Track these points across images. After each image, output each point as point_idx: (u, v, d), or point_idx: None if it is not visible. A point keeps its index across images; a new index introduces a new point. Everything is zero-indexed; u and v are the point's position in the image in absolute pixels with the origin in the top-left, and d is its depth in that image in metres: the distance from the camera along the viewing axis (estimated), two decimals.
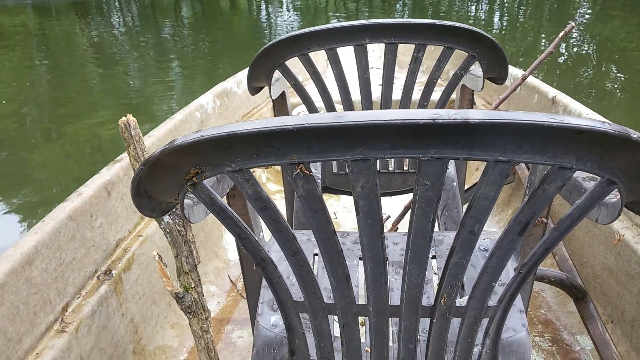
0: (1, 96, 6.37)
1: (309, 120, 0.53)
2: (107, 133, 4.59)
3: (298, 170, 0.59)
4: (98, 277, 1.27)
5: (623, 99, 5.36)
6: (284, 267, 0.76)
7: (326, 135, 0.55)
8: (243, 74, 2.59)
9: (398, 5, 15.20)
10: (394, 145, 0.55)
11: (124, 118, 0.93)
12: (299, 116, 0.55)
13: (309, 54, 1.30)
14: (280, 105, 1.48)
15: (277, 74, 1.36)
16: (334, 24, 1.30)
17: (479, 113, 0.51)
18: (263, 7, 16.99)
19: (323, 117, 0.53)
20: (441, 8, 13.19)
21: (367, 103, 1.40)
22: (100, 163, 1.58)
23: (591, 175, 0.62)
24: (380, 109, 1.40)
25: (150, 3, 20.42)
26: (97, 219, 1.31)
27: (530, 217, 0.61)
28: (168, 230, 1.01)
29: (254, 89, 1.39)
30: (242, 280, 1.84)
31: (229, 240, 2.04)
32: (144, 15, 16.46)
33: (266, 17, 14.21)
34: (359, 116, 0.53)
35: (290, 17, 13.72)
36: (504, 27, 9.88)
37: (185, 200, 0.67)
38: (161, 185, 0.64)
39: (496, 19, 11.24)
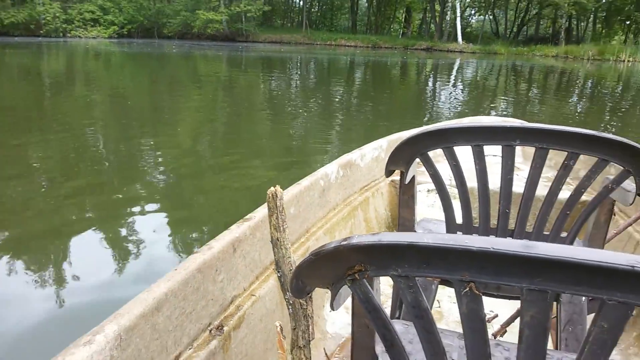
0: (184, 132, 7.25)
1: (496, 245, 0.54)
2: (260, 180, 4.92)
3: (467, 289, 0.58)
4: (210, 331, 1.29)
5: None
6: None
7: (508, 261, 0.54)
8: (367, 148, 2.65)
9: (573, 99, 14.36)
10: (578, 282, 0.53)
11: (272, 188, 0.98)
12: (482, 238, 0.55)
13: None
14: (407, 188, 1.50)
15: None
16: (485, 122, 1.30)
17: None
18: (431, 81, 17.28)
19: (511, 245, 0.53)
20: (624, 105, 12.14)
21: (506, 203, 1.39)
22: (245, 208, 1.67)
23: None
24: (519, 210, 1.38)
25: (328, 65, 22.07)
26: (220, 273, 1.35)
27: None
28: (291, 302, 1.01)
29: (389, 172, 1.42)
30: (337, 356, 1.78)
31: (329, 312, 2.01)
32: (320, 75, 17.76)
33: (432, 90, 14.37)
34: (552, 250, 0.52)
35: (455, 93, 13.69)
36: None
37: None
38: (319, 273, 0.66)
39: None
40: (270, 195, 0.99)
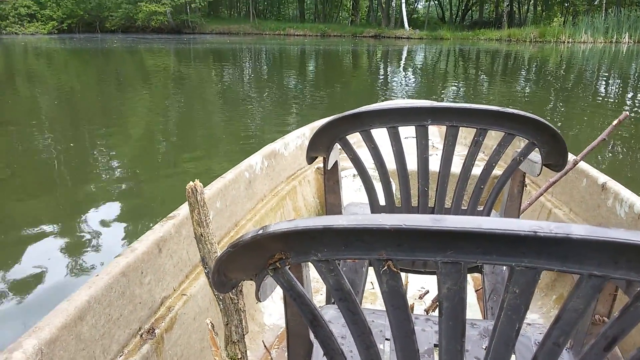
0: (134, 129, 7.05)
1: (407, 221, 0.55)
2: (217, 175, 4.84)
3: (385, 267, 0.59)
4: (141, 336, 1.25)
5: None
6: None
7: (421, 236, 0.55)
8: (291, 137, 2.65)
9: (521, 73, 14.85)
10: (487, 252, 0.55)
11: (191, 183, 0.95)
12: (395, 216, 0.56)
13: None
14: (331, 174, 1.51)
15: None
16: (398, 104, 1.33)
17: (580, 229, 0.51)
18: (382, 68, 17.42)
19: (421, 220, 0.55)
20: (567, 84, 12.62)
21: (424, 182, 1.43)
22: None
23: None
24: (437, 187, 1.42)
25: (279, 56, 21.88)
26: (146, 275, 1.31)
27: (619, 334, 0.59)
28: (221, 298, 0.99)
29: (311, 159, 1.43)
30: (276, 347, 1.78)
31: (265, 304, 2.00)
32: (273, 66, 17.58)
33: (384, 76, 14.49)
34: (459, 222, 0.54)
35: (407, 78, 13.87)
36: (636, 107, 9.20)
37: None
38: (241, 265, 0.65)
39: (629, 97, 10.51)
40: (190, 190, 0.96)
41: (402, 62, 19.54)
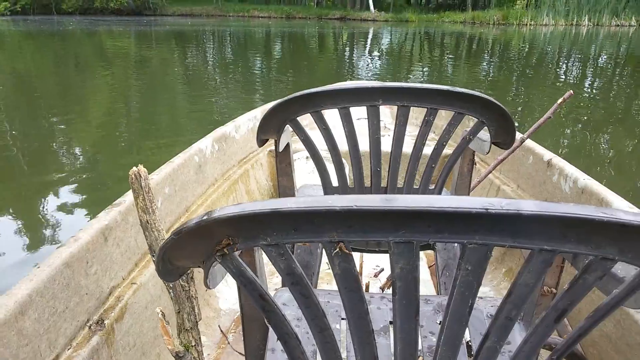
0: (95, 114, 6.85)
1: (358, 202, 0.53)
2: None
3: (337, 249, 0.58)
4: (90, 327, 1.21)
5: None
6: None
7: (372, 217, 0.54)
8: (242, 119, 2.61)
9: (485, 55, 15.05)
10: (439, 230, 0.54)
11: (134, 168, 0.91)
12: (345, 197, 0.54)
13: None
14: (283, 156, 1.50)
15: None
16: (349, 85, 1.32)
17: (530, 204, 0.51)
18: (348, 50, 17.37)
19: (372, 200, 0.53)
20: (530, 63, 12.87)
21: (376, 162, 1.42)
22: None
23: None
24: (389, 167, 1.42)
25: (244, 38, 21.53)
26: (92, 265, 1.27)
27: (568, 305, 0.61)
28: (171, 286, 0.96)
29: (262, 141, 1.41)
30: (232, 331, 1.77)
31: (220, 289, 1.98)
32: (237, 49, 17.30)
33: (349, 60, 14.46)
34: (410, 201, 0.53)
35: (373, 62, 13.88)
36: (594, 89, 9.47)
37: None
38: (187, 252, 0.62)
39: (587, 80, 10.81)
40: (133, 175, 0.92)
41: (368, 44, 19.53)
